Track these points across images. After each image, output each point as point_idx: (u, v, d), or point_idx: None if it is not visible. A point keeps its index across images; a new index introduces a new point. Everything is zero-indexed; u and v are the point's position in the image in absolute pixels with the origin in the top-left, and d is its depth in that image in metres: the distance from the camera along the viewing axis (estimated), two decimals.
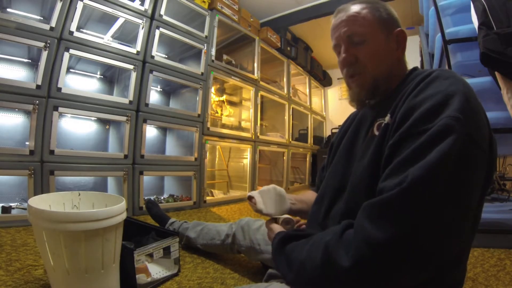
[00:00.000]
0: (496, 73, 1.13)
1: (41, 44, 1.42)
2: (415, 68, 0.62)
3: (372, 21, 0.59)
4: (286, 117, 3.26)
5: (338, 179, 0.62)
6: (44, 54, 1.43)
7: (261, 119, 3.11)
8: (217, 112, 2.83)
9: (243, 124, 2.99)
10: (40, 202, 0.73)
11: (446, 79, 0.47)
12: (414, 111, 0.45)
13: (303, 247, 0.49)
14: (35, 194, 1.32)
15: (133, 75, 1.78)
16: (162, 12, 1.97)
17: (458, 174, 0.39)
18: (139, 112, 1.80)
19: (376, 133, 0.54)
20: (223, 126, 2.73)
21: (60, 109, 1.48)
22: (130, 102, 1.76)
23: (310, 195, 0.83)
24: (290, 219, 0.67)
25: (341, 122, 0.95)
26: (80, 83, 1.98)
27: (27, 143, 1.39)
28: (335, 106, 4.47)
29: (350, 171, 0.60)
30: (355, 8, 0.60)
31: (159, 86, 2.45)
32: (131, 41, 1.96)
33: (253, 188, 2.69)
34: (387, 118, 0.52)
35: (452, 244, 0.40)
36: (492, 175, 0.48)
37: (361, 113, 0.68)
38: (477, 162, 0.42)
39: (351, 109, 0.77)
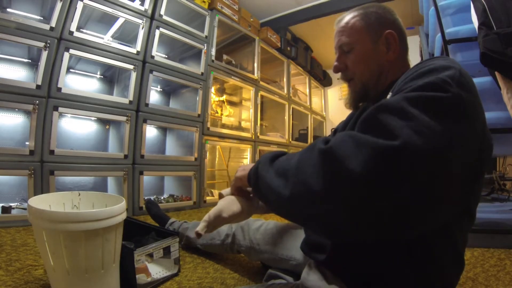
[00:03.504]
0: (496, 73, 1.13)
1: (41, 44, 1.42)
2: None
3: (359, 30, 0.63)
4: (286, 117, 3.26)
5: None
6: (44, 54, 1.43)
7: (261, 119, 3.10)
8: (217, 112, 2.83)
9: (243, 124, 2.99)
10: (40, 202, 0.73)
11: (445, 59, 0.47)
12: (408, 77, 0.46)
13: (292, 156, 0.45)
14: (35, 194, 1.32)
15: (133, 75, 1.78)
16: (162, 12, 1.97)
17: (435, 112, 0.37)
18: (139, 112, 1.80)
19: None
20: (223, 126, 2.72)
21: (60, 109, 1.48)
22: (130, 102, 1.76)
23: None
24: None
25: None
26: (80, 83, 1.97)
27: (27, 143, 1.39)
28: (335, 106, 4.46)
29: None
30: (347, 18, 0.65)
31: (159, 86, 2.45)
32: (131, 41, 1.96)
33: None
34: (388, 97, 0.52)
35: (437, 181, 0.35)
36: (483, 164, 0.45)
37: (364, 105, 0.70)
38: (467, 136, 0.38)
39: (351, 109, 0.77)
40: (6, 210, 1.35)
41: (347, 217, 0.36)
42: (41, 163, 1.41)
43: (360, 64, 0.63)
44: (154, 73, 1.89)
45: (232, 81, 2.55)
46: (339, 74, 0.70)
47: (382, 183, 0.33)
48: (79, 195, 0.84)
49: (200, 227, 0.53)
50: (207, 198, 2.24)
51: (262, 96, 2.92)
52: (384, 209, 0.34)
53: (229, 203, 0.58)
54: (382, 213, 0.34)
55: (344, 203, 0.35)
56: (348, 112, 0.78)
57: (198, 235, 0.52)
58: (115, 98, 1.76)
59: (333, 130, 0.84)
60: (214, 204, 2.36)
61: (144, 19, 1.86)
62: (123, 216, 0.73)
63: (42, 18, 1.71)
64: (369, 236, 0.38)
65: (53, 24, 1.46)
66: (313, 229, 0.45)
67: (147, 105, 1.84)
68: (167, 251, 0.90)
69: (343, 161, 0.35)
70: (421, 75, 0.43)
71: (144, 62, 1.85)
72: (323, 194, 0.37)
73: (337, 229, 0.38)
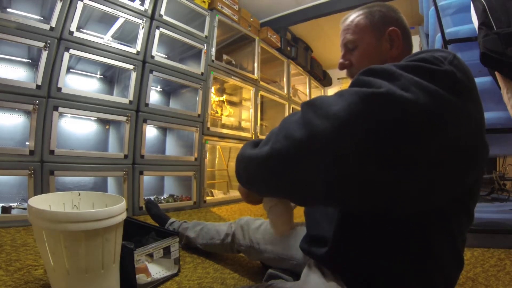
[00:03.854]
0: (496, 73, 1.13)
1: (41, 44, 1.42)
2: None
3: (364, 27, 0.64)
4: None
5: None
6: (44, 54, 1.43)
7: (261, 119, 3.10)
8: (217, 112, 2.83)
9: (243, 124, 2.99)
10: (40, 202, 0.73)
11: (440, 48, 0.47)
12: None
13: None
14: (35, 194, 1.32)
15: (133, 75, 1.78)
16: (162, 12, 1.97)
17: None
18: (139, 112, 1.80)
19: None
20: (223, 126, 2.72)
21: (60, 109, 1.48)
22: (130, 102, 1.76)
23: None
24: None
25: None
26: (80, 83, 1.97)
27: (27, 143, 1.39)
28: None
29: None
30: (352, 17, 0.67)
31: (159, 86, 2.45)
32: (131, 41, 1.96)
33: None
34: None
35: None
36: (480, 161, 0.41)
37: None
38: (455, 114, 0.34)
39: None
40: (6, 210, 1.35)
41: (331, 164, 0.33)
42: (41, 163, 1.40)
43: (364, 61, 0.64)
44: (154, 73, 1.89)
45: (232, 81, 2.55)
46: (339, 74, 0.71)
47: (367, 126, 0.31)
48: (79, 195, 0.85)
49: (288, 228, 0.54)
50: (207, 198, 2.24)
51: (262, 96, 2.92)
52: (369, 158, 0.31)
53: (276, 199, 0.55)
54: (367, 161, 0.31)
55: (327, 148, 0.33)
56: None
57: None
58: (115, 98, 1.76)
59: None
60: (214, 204, 2.36)
61: (144, 19, 1.86)
62: (123, 216, 0.73)
63: (42, 18, 1.71)
64: (356, 195, 0.35)
65: (53, 24, 1.46)
66: (299, 194, 0.40)
67: (147, 105, 1.84)
68: (167, 251, 0.90)
69: (326, 107, 0.34)
70: (414, 54, 0.43)
71: (144, 62, 1.85)
72: (306, 140, 0.34)
73: (322, 184, 0.35)
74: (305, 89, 3.88)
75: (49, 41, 1.43)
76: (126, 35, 1.98)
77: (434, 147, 0.33)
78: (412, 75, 0.35)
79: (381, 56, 0.63)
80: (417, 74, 0.35)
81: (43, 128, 1.42)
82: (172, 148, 2.39)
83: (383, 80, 0.35)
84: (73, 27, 1.53)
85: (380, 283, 0.48)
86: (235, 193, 2.66)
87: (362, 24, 0.64)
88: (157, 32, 1.92)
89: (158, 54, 1.95)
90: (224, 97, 2.95)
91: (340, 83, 4.39)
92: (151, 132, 2.31)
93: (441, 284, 0.48)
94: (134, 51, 1.80)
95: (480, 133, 0.40)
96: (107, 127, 2.04)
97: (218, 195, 2.50)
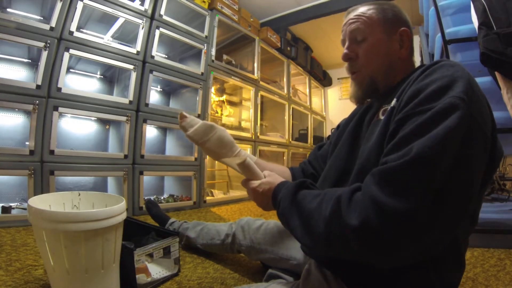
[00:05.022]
0: (496, 73, 1.13)
1: (41, 44, 1.42)
2: (423, 65, 0.62)
3: (376, 21, 0.61)
4: (286, 117, 3.26)
5: (341, 162, 0.63)
6: (44, 54, 1.43)
7: (261, 119, 3.10)
8: (217, 112, 2.83)
9: (243, 124, 2.99)
10: (40, 202, 0.73)
11: (452, 66, 0.48)
12: (420, 92, 0.46)
13: (315, 197, 0.49)
14: (35, 194, 1.32)
15: (133, 75, 1.78)
16: (162, 12, 1.97)
17: (463, 150, 0.40)
18: (139, 112, 1.80)
19: (382, 117, 0.55)
20: (223, 126, 2.72)
21: (60, 109, 1.48)
22: (130, 102, 1.76)
23: (281, 168, 0.83)
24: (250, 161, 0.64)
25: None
26: (80, 83, 1.97)
27: (27, 143, 1.39)
28: (335, 106, 4.46)
29: (353, 155, 0.61)
30: (363, 9, 0.64)
31: (159, 86, 2.45)
32: (131, 41, 1.96)
33: None
34: (393, 103, 0.52)
35: (452, 222, 0.39)
36: (493, 170, 0.48)
37: (369, 103, 0.69)
38: (479, 144, 0.42)
39: (351, 109, 0.77)
40: (6, 210, 1.35)
41: (380, 260, 0.41)
42: (41, 163, 1.40)
43: (372, 56, 0.61)
44: (154, 73, 1.89)
45: (232, 81, 2.55)
46: (339, 74, 0.69)
47: (407, 242, 0.38)
48: (79, 195, 0.84)
49: None
50: (207, 198, 2.24)
51: (262, 96, 2.92)
52: (403, 255, 0.40)
53: None
54: (405, 254, 0.40)
55: (374, 253, 0.40)
56: (346, 113, 0.78)
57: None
58: (115, 98, 1.76)
59: (333, 130, 0.84)
60: (214, 204, 2.36)
61: (144, 19, 1.86)
62: (123, 216, 0.73)
63: (42, 18, 1.71)
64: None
65: (53, 24, 1.46)
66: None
67: (147, 105, 1.84)
68: (167, 251, 0.90)
69: (372, 232, 0.39)
70: (434, 95, 0.44)
71: (144, 62, 1.85)
72: (357, 252, 0.41)
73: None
74: (305, 89, 3.88)
75: (49, 41, 1.43)
76: (126, 35, 1.98)
77: (463, 213, 0.42)
78: (443, 161, 0.39)
79: (389, 55, 0.61)
80: (448, 151, 0.39)
81: (43, 128, 1.42)
82: (172, 148, 2.39)
83: (417, 179, 0.39)
84: (73, 27, 1.53)
85: (380, 286, 0.48)
86: (235, 193, 2.66)
87: (375, 17, 0.62)
88: (157, 32, 1.92)
89: (158, 54, 1.96)
90: (224, 97, 2.95)
91: (340, 83, 4.38)
92: (151, 132, 2.31)
93: (443, 287, 0.48)
94: (134, 51, 1.80)
95: (495, 144, 0.47)
96: (107, 127, 2.04)
97: (218, 195, 2.50)
